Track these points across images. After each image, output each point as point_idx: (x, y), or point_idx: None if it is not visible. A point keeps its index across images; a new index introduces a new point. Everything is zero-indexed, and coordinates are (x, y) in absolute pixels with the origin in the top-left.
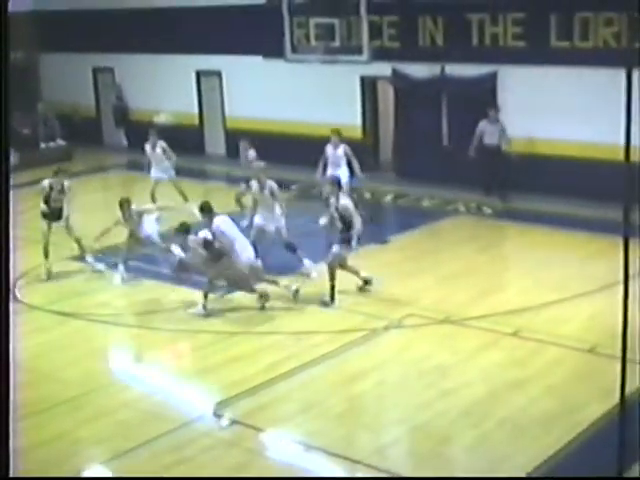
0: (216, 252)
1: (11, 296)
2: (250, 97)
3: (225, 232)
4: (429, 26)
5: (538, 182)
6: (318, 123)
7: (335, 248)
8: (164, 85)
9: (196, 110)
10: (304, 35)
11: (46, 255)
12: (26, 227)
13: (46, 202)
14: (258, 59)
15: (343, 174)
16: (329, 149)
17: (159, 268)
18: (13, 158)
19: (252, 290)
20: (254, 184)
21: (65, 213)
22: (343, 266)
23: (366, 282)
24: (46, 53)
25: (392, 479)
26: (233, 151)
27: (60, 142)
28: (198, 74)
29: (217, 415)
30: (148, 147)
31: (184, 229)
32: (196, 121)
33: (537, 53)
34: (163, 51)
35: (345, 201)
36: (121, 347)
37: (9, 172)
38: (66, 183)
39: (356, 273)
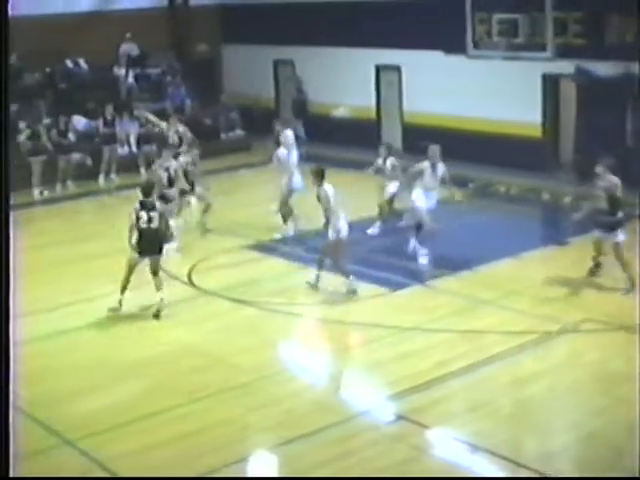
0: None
1: (187, 281)
2: (429, 92)
3: (329, 198)
4: (616, 23)
5: None
6: (497, 120)
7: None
8: (343, 78)
9: (374, 104)
10: (486, 31)
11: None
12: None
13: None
14: (438, 55)
15: None
16: None
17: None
18: (196, 148)
19: (344, 272)
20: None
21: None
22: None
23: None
24: (229, 45)
25: (395, 479)
26: (409, 146)
27: (240, 133)
28: (377, 68)
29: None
30: None
31: None
32: (373, 115)
33: None
34: (343, 45)
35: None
36: (292, 336)
37: (8, 175)
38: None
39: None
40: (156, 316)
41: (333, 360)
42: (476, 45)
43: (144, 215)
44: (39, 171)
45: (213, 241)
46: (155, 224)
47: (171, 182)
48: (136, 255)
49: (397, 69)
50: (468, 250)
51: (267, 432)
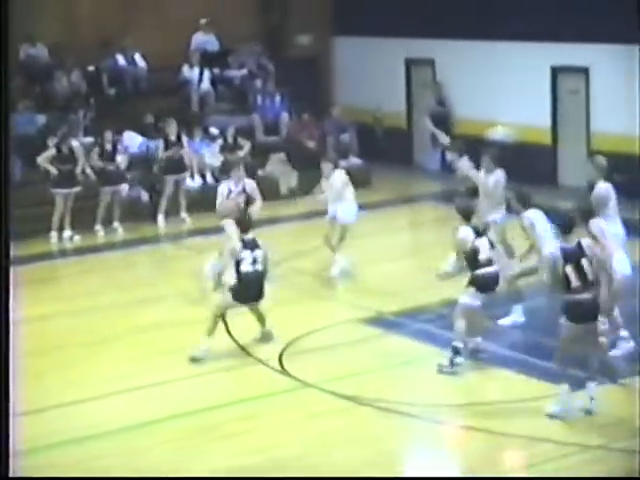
0: None
1: (277, 366)
2: (625, 105)
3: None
4: None
5: None
6: None
7: None
8: (505, 87)
9: (548, 123)
10: None
11: None
12: None
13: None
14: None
15: None
16: None
17: None
18: (292, 180)
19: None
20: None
21: None
22: None
23: None
24: (342, 38)
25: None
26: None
27: (355, 161)
28: (554, 72)
29: None
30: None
31: None
32: (548, 139)
33: None
34: (507, 38)
35: None
36: (424, 452)
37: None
38: None
39: None
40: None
41: None
42: None
43: (248, 256)
44: (62, 208)
45: (317, 310)
46: (259, 266)
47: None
48: (230, 300)
49: (584, 72)
50: None
51: None
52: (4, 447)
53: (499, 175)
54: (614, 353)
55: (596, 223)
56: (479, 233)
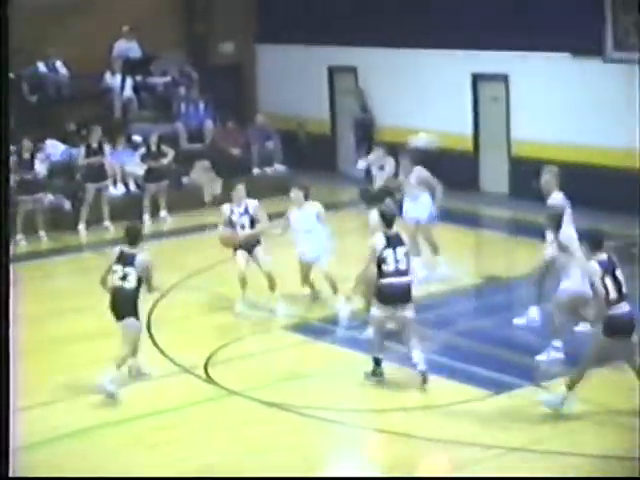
0: None
1: (203, 375)
2: (547, 113)
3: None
4: None
5: None
6: None
7: None
8: (426, 93)
9: (470, 130)
10: (634, 24)
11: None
12: None
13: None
14: (564, 58)
15: None
16: None
17: None
18: (216, 187)
19: None
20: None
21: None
22: None
23: None
24: (265, 46)
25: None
26: (518, 189)
27: (279, 167)
28: (474, 78)
29: None
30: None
31: None
32: (470, 146)
33: None
34: (424, 45)
35: None
36: (346, 457)
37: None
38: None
39: None
40: None
41: None
42: (618, 44)
43: (119, 270)
44: None
45: (240, 319)
46: (128, 284)
47: None
48: None
49: (504, 79)
50: None
51: None
52: (4, 447)
53: (418, 172)
54: (540, 358)
55: (567, 233)
56: (391, 243)
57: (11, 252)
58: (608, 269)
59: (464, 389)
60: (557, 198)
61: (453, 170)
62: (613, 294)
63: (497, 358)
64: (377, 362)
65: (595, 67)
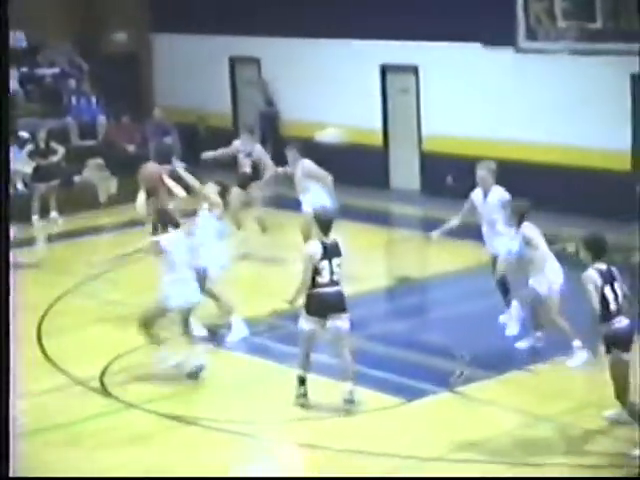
0: None
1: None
2: (459, 106)
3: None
4: None
5: None
6: (561, 146)
7: None
8: (333, 85)
9: (380, 124)
10: (546, 12)
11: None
12: None
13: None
14: (474, 48)
15: None
16: None
17: None
18: (111, 186)
19: None
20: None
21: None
22: None
23: None
24: (162, 35)
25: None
26: (431, 185)
27: (179, 164)
28: (384, 70)
29: None
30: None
31: None
32: (379, 141)
33: None
34: (333, 35)
35: None
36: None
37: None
38: None
39: None
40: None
41: None
42: (532, 34)
43: None
44: None
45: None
46: None
47: None
48: None
49: (413, 70)
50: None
51: None
52: (4, 447)
53: (305, 164)
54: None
55: (530, 227)
56: (327, 253)
57: None
58: (607, 280)
59: (375, 396)
60: (504, 193)
61: (362, 166)
62: (613, 306)
63: (410, 363)
64: (302, 381)
65: (507, 57)
